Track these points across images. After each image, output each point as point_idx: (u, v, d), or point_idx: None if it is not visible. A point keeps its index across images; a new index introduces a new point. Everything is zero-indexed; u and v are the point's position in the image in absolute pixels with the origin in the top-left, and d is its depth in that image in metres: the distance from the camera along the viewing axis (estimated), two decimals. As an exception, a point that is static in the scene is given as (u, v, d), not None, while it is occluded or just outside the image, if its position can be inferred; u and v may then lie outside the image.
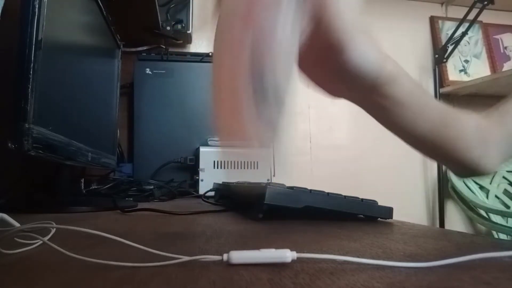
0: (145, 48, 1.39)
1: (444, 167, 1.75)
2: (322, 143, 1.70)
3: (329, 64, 0.29)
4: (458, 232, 0.39)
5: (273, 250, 0.22)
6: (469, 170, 0.37)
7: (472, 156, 0.35)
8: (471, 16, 1.59)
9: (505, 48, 1.95)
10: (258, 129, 0.24)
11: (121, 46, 1.07)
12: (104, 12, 0.85)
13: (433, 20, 1.89)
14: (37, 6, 0.48)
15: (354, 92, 0.32)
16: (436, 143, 0.34)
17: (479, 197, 1.67)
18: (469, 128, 0.35)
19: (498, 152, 0.36)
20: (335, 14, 0.26)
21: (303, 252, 0.22)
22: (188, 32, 1.35)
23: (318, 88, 0.33)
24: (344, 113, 1.69)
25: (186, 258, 0.21)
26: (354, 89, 0.31)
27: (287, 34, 0.24)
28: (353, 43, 0.27)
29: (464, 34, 1.64)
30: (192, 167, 1.21)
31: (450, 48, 1.70)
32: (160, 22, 1.25)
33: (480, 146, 0.35)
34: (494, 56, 1.90)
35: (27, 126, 0.46)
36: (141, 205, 0.68)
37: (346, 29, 0.27)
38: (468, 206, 1.66)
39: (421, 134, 0.33)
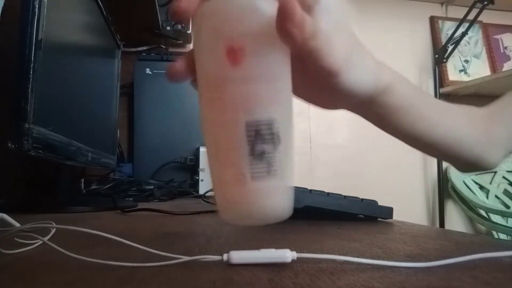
0: (145, 48, 1.39)
1: (444, 167, 1.75)
2: (322, 143, 1.70)
3: (322, 89, 0.27)
4: (458, 232, 0.39)
5: (273, 250, 0.22)
6: (472, 166, 0.37)
7: (475, 153, 0.35)
8: (471, 16, 1.59)
9: (505, 48, 1.95)
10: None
11: (121, 46, 1.07)
12: (104, 12, 0.85)
13: (433, 20, 1.89)
14: (37, 6, 0.48)
15: (349, 105, 0.31)
16: (438, 142, 0.33)
17: (479, 197, 1.67)
18: (471, 125, 0.35)
19: (501, 146, 0.36)
20: (324, 40, 0.23)
21: (303, 252, 0.22)
22: (188, 32, 1.35)
23: (311, 104, 0.32)
24: (344, 113, 1.68)
25: (186, 258, 0.21)
26: (349, 103, 0.30)
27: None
28: (346, 70, 0.25)
29: (464, 34, 1.64)
30: (192, 167, 1.21)
31: (450, 48, 1.71)
32: (160, 22, 1.25)
33: (483, 142, 0.35)
34: (494, 56, 1.90)
35: (27, 126, 0.46)
36: (141, 205, 0.68)
37: (337, 56, 0.24)
38: (468, 206, 1.66)
39: (422, 135, 0.33)
